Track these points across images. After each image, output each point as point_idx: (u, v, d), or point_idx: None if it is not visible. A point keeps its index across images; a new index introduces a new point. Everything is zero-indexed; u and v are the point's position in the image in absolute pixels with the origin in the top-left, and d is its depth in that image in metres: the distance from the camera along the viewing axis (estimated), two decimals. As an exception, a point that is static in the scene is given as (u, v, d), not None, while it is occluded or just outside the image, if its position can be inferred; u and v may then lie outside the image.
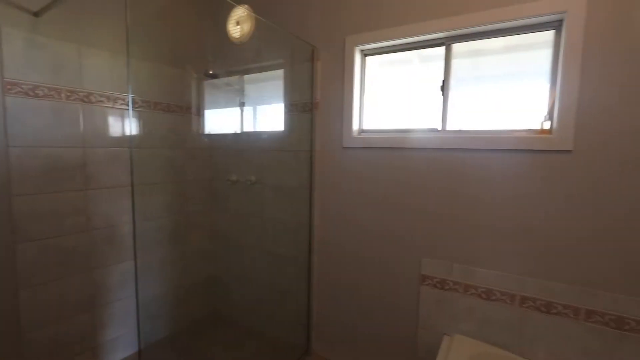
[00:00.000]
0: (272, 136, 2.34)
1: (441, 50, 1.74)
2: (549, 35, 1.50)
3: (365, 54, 1.99)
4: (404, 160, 1.79)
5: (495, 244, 1.58)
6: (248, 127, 2.50)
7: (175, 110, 2.31)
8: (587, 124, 1.36)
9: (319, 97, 2.06)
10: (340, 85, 1.97)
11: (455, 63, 1.73)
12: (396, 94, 1.94)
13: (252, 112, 2.51)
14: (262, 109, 2.48)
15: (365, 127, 2.01)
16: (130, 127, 2.05)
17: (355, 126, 1.97)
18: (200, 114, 2.52)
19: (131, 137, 2.04)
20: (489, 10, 1.52)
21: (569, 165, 1.40)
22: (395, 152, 1.81)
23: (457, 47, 1.72)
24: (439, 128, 1.75)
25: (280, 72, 2.29)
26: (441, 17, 1.64)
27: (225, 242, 2.59)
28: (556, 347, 1.47)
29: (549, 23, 1.48)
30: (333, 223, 2.06)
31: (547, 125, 1.47)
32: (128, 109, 2.00)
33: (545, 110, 1.50)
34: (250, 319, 2.49)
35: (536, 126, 1.52)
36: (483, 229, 1.60)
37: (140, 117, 2.11)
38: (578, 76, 1.36)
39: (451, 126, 1.74)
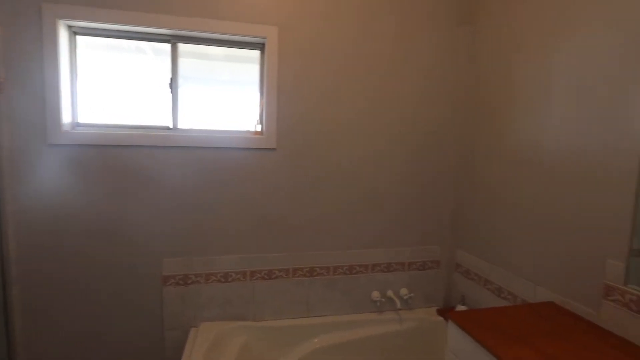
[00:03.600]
0: None
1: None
2: (257, 53, 1.83)
3: (75, 31, 1.66)
4: (134, 159, 1.65)
5: (228, 231, 1.78)
6: None
7: None
8: (284, 128, 1.78)
9: (2, 76, 1.53)
10: (40, 65, 1.55)
11: (183, 62, 1.77)
12: (126, 85, 1.75)
13: None
14: None
15: (82, 120, 1.70)
16: None
17: (66, 119, 1.62)
18: None
19: None
20: (207, 19, 1.66)
21: (275, 159, 1.79)
22: (122, 150, 1.64)
23: (184, 47, 1.76)
24: (171, 126, 1.75)
25: None
26: (164, 13, 1.63)
27: None
28: (276, 303, 1.86)
29: (255, 44, 1.80)
30: (45, 241, 1.61)
31: (259, 128, 1.81)
32: None
33: (257, 115, 1.83)
34: None
35: (252, 128, 1.83)
36: (217, 220, 1.76)
37: None
38: (276, 90, 1.74)
39: (183, 124, 1.78)
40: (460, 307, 1.85)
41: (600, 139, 1.25)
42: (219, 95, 1.84)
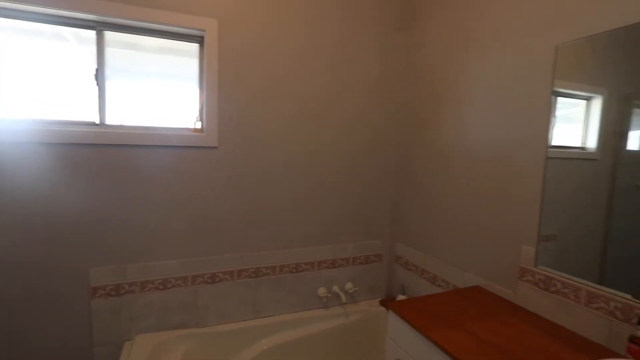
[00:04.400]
0: None
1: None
2: (196, 46, 1.74)
3: (-29, 10, 1.42)
4: (53, 158, 1.47)
5: (166, 235, 1.67)
6: None
7: None
8: (226, 125, 1.72)
9: None
10: None
11: (111, 52, 1.62)
12: (43, 75, 1.54)
13: None
14: None
15: (-16, 113, 1.47)
16: None
17: (-39, 111, 1.38)
18: None
19: None
20: (141, 7, 1.54)
21: (216, 158, 1.72)
22: (38, 148, 1.45)
23: (111, 35, 1.61)
24: (97, 121, 1.59)
25: None
26: (87, -4, 1.47)
27: None
28: (221, 307, 1.80)
29: (194, 36, 1.71)
30: None
31: (199, 125, 1.72)
32: None
33: (197, 112, 1.74)
34: None
35: (191, 125, 1.73)
36: (153, 223, 1.64)
37: None
38: (216, 85, 1.68)
39: (112, 120, 1.62)
40: (401, 297, 1.96)
41: (512, 140, 1.42)
42: (154, 89, 1.71)
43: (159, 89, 1.72)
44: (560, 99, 1.29)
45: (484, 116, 1.55)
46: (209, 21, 1.64)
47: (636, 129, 1.10)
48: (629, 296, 1.05)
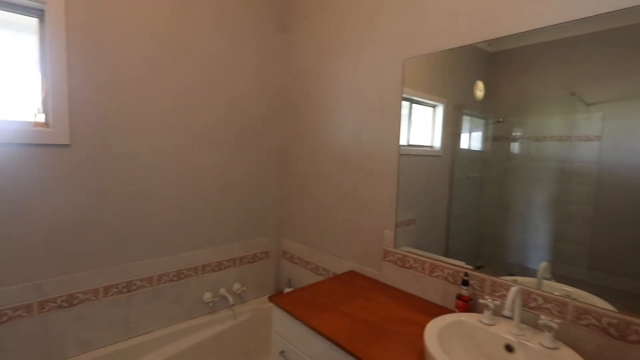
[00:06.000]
0: None
1: None
2: (35, 21, 1.42)
3: None
4: None
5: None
6: None
7: None
8: (81, 120, 1.47)
9: None
10: None
11: None
12: None
13: None
14: None
15: None
16: None
17: None
18: None
19: None
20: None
21: (69, 158, 1.45)
22: None
23: None
24: None
25: None
26: None
27: None
28: (84, 333, 1.53)
29: (32, 9, 1.39)
30: None
31: (41, 118, 1.42)
32: None
33: (39, 102, 1.43)
34: None
35: (32, 118, 1.41)
36: (-24, 242, 1.29)
37: None
38: (65, 71, 1.41)
39: None
40: (287, 290, 2.03)
41: (373, 140, 1.64)
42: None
43: (-22, 71, 1.35)
44: (414, 106, 1.54)
45: (351, 117, 1.74)
46: (51, -7, 1.36)
47: (465, 132, 1.41)
48: (462, 263, 1.34)
